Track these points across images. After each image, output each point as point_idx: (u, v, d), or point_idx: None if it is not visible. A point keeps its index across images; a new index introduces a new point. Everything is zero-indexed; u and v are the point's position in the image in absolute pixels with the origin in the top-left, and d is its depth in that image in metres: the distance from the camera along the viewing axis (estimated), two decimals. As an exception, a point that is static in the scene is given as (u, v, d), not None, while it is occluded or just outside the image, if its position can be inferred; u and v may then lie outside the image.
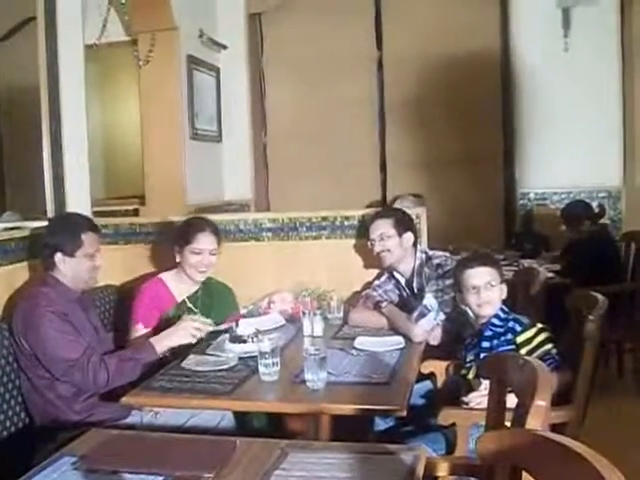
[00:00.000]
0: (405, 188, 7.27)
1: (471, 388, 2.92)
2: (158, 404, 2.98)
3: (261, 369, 2.88)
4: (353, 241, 4.32)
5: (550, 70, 7.05)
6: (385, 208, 5.59)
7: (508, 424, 2.04)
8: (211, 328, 3.41)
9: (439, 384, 3.41)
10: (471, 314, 3.20)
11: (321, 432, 2.75)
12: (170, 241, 3.95)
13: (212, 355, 3.20)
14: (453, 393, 3.10)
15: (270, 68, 8.00)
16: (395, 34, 7.65)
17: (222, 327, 3.51)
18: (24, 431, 3.19)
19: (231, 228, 4.38)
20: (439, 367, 3.40)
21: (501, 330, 3.06)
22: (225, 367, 3.03)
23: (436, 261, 3.84)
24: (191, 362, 3.12)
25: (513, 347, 2.99)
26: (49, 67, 4.25)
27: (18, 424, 3.18)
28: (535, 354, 2.89)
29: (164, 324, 3.55)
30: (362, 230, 4.21)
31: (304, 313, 3.66)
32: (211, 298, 3.89)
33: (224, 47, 7.09)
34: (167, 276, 3.87)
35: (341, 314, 3.92)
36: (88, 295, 3.60)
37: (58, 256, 3.27)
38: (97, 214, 4.63)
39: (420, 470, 1.98)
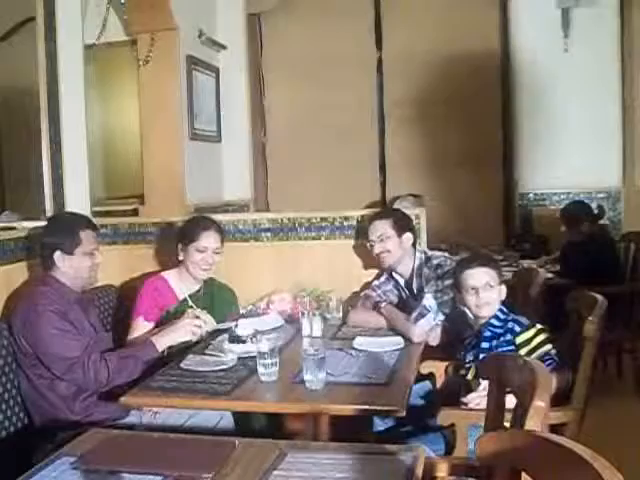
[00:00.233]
0: (404, 188, 7.27)
1: (470, 389, 2.92)
2: (157, 404, 2.98)
3: (260, 369, 2.87)
4: (352, 241, 4.32)
5: (550, 70, 7.05)
6: (384, 209, 5.59)
7: (507, 425, 2.04)
8: (212, 326, 3.42)
9: (438, 384, 3.41)
10: (470, 315, 3.20)
11: (320, 432, 2.75)
12: (173, 240, 3.96)
13: (211, 355, 3.20)
14: (452, 394, 3.10)
15: (269, 68, 8.01)
16: (395, 34, 7.65)
17: (224, 326, 3.52)
18: (23, 431, 3.19)
19: (230, 228, 4.38)
20: (438, 367, 3.41)
21: (500, 331, 3.06)
22: (224, 367, 3.03)
23: (435, 262, 3.83)
24: (190, 362, 3.12)
25: (512, 348, 2.99)
26: (48, 67, 4.25)
27: (17, 424, 3.18)
28: (534, 355, 2.89)
29: (165, 322, 3.57)
30: (361, 231, 4.21)
31: (303, 313, 3.66)
32: (212, 297, 3.90)
33: (223, 47, 7.09)
34: (169, 274, 3.89)
35: (340, 314, 3.92)
36: (87, 295, 3.60)
37: (57, 255, 3.27)
38: (96, 214, 4.64)
39: (419, 470, 1.98)
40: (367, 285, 4.13)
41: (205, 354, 3.23)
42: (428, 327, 3.45)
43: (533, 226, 7.09)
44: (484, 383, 2.64)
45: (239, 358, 3.13)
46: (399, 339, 3.41)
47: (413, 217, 4.12)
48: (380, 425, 3.29)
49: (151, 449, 2.21)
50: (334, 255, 4.31)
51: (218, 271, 3.94)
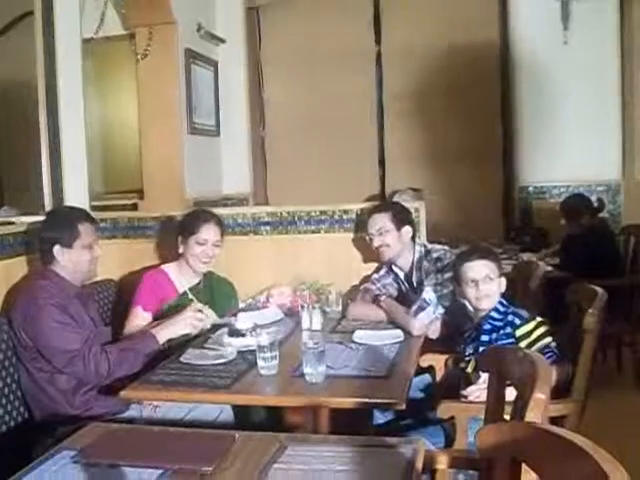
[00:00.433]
0: (404, 182, 7.25)
1: (470, 382, 2.92)
2: (157, 398, 2.99)
3: (260, 363, 2.87)
4: (352, 235, 4.32)
5: (549, 63, 7.03)
6: (383, 202, 5.59)
7: (507, 417, 2.04)
8: (213, 321, 3.42)
9: (438, 377, 3.41)
10: (470, 308, 3.19)
11: (320, 425, 2.74)
12: (172, 234, 3.97)
13: (211, 349, 3.20)
14: (452, 386, 3.10)
15: (268, 62, 7.98)
16: (394, 28, 7.63)
17: (225, 321, 3.51)
18: (23, 425, 3.19)
19: (230, 222, 4.38)
20: (438, 360, 3.41)
21: (500, 324, 3.06)
22: (224, 361, 3.03)
23: (435, 255, 3.83)
24: (190, 356, 3.12)
25: (512, 340, 2.98)
26: (46, 61, 4.24)
27: (17, 418, 3.18)
28: (534, 347, 2.89)
29: (165, 315, 3.58)
30: (361, 224, 4.21)
31: (303, 307, 3.66)
32: (212, 291, 3.91)
33: (222, 41, 7.08)
34: (169, 267, 3.91)
35: (340, 308, 3.92)
36: (87, 289, 3.60)
37: (56, 248, 3.27)
38: (95, 208, 4.63)
39: (419, 463, 1.98)
40: (367, 278, 4.13)
41: (205, 348, 3.23)
42: (428, 320, 3.45)
43: (533, 219, 7.08)
44: (484, 376, 2.64)
45: (239, 352, 3.13)
46: (399, 332, 3.41)
47: (412, 210, 4.12)
48: (380, 418, 3.29)
49: (151, 443, 2.21)
50: (333, 248, 4.32)
51: (218, 265, 3.94)
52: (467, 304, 3.20)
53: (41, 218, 3.56)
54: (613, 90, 7.02)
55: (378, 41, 7.73)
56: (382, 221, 3.87)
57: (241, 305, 4.07)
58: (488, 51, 7.38)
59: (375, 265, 4.15)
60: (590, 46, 6.95)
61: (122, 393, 2.81)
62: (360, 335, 3.36)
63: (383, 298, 3.76)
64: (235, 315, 3.62)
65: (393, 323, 3.59)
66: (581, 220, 5.57)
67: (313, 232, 4.38)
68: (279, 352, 2.90)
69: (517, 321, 3.03)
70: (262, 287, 4.15)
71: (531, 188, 7.26)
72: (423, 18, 7.45)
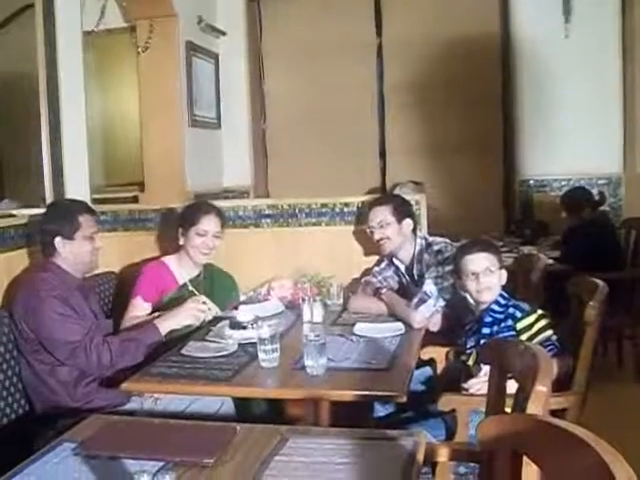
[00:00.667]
0: (405, 175, 7.24)
1: (471, 374, 2.92)
2: (158, 390, 2.99)
3: (261, 355, 2.88)
4: (352, 227, 4.32)
5: (551, 57, 7.02)
6: (384, 195, 5.58)
7: (508, 410, 2.04)
8: (215, 313, 3.42)
9: (439, 370, 3.41)
10: (471, 300, 3.19)
11: (321, 418, 2.75)
12: (173, 226, 3.98)
13: (212, 341, 3.20)
14: (453, 379, 3.11)
15: (269, 54, 7.97)
16: (395, 20, 7.62)
17: (227, 314, 3.52)
18: (24, 418, 3.20)
19: (230, 214, 4.38)
20: (439, 353, 3.41)
21: (501, 316, 3.06)
22: (225, 353, 3.04)
23: (436, 247, 3.83)
24: (191, 348, 3.12)
25: (513, 333, 2.98)
26: (47, 54, 4.24)
27: (18, 411, 3.19)
28: (535, 340, 2.89)
29: (165, 307, 3.58)
30: (361, 217, 4.21)
31: (304, 299, 3.66)
32: (212, 283, 3.92)
33: (223, 33, 7.07)
34: (169, 259, 3.92)
35: (341, 300, 3.92)
36: (88, 282, 3.61)
37: (58, 240, 3.27)
38: (96, 201, 4.64)
39: (420, 456, 1.98)
40: (368, 271, 4.13)
41: (206, 340, 3.24)
42: (429, 313, 3.45)
43: (533, 212, 7.08)
44: (485, 368, 2.64)
45: (240, 344, 3.13)
46: (400, 325, 3.41)
47: (413, 203, 4.12)
48: (381, 411, 3.29)
49: (152, 435, 2.22)
50: (334, 241, 4.32)
51: (219, 257, 3.95)
52: (468, 297, 3.20)
53: (42, 211, 3.56)
54: (614, 84, 7.01)
55: (379, 33, 7.72)
56: (383, 214, 3.87)
57: (242, 298, 4.08)
58: (489, 44, 7.37)
59: (376, 258, 4.15)
60: (591, 39, 6.93)
61: (123, 385, 2.82)
62: (361, 328, 3.36)
63: (384, 291, 3.76)
64: (236, 308, 3.63)
65: (394, 316, 3.59)
66: (582, 213, 5.57)
67: (314, 225, 4.38)
68: (280, 345, 2.90)
69: (518, 314, 3.03)
70: (263, 280, 4.15)
71: (532, 181, 7.26)
72: (424, 10, 7.44)
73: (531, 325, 2.99)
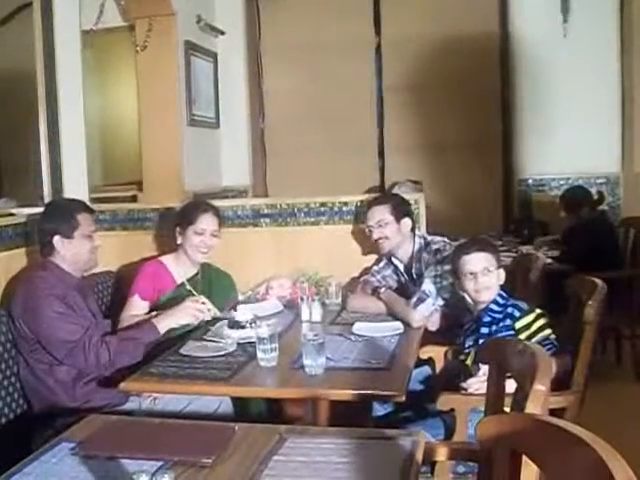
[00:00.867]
0: (403, 174, 7.24)
1: (470, 374, 2.92)
2: (157, 390, 2.99)
3: (259, 355, 2.87)
4: (351, 227, 4.32)
5: (549, 56, 7.02)
6: (383, 194, 5.58)
7: (507, 409, 2.04)
8: (214, 313, 3.41)
9: (438, 370, 3.41)
10: (469, 300, 3.19)
11: (319, 417, 2.75)
12: (171, 226, 3.97)
13: (210, 341, 3.20)
14: (452, 378, 3.10)
15: (268, 53, 7.95)
16: (393, 19, 7.60)
17: (226, 315, 3.52)
18: (22, 417, 3.20)
19: (229, 214, 4.38)
20: (438, 352, 3.41)
21: (500, 316, 3.06)
22: (223, 353, 3.03)
23: (435, 246, 3.83)
24: (189, 348, 3.12)
25: (512, 333, 2.98)
26: (46, 53, 4.24)
27: (16, 410, 3.19)
28: (534, 339, 2.89)
29: (162, 306, 3.58)
30: (360, 216, 4.21)
31: (302, 299, 3.67)
32: (210, 282, 3.92)
33: (222, 33, 7.07)
34: (167, 258, 3.92)
35: (339, 300, 3.92)
36: (87, 281, 3.60)
37: (56, 239, 3.27)
38: (95, 200, 4.63)
39: (419, 455, 1.98)
40: (366, 270, 4.13)
41: (204, 340, 3.24)
42: (427, 312, 3.45)
43: (532, 212, 7.08)
44: (484, 368, 2.63)
45: (238, 344, 3.13)
46: (398, 324, 3.40)
47: (412, 202, 4.12)
48: (379, 410, 3.29)
49: (151, 435, 2.21)
50: (333, 240, 4.31)
51: (217, 256, 3.94)
52: (466, 297, 3.20)
53: (41, 209, 3.56)
54: (612, 83, 7.01)
55: (378, 32, 7.70)
56: (381, 213, 3.87)
57: (240, 297, 4.08)
58: (488, 43, 7.36)
59: (375, 257, 4.15)
60: (590, 39, 6.93)
61: (121, 385, 2.82)
62: (360, 327, 3.35)
63: (383, 290, 3.76)
64: (234, 307, 3.63)
65: (393, 315, 3.59)
66: (580, 212, 5.57)
67: (313, 224, 4.37)
68: (279, 344, 2.90)
69: (517, 313, 3.03)
70: (262, 279, 4.16)
71: (531, 180, 7.26)
72: (423, 9, 7.43)
73: (530, 324, 2.99)
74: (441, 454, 2.34)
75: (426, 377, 3.45)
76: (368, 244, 4.11)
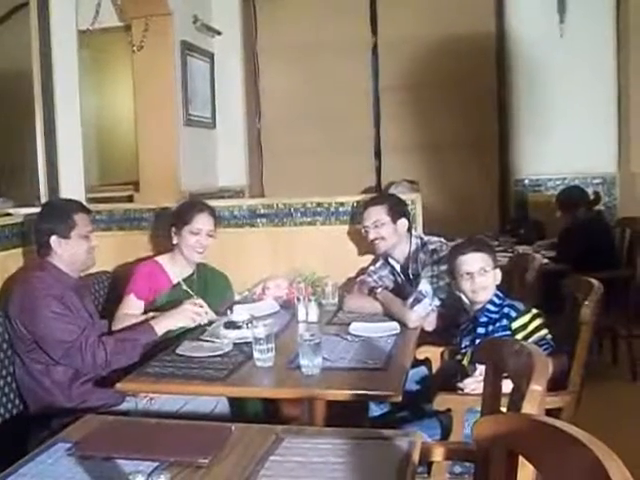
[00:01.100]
0: (400, 174, 7.24)
1: (466, 374, 2.92)
2: (153, 390, 2.98)
3: (256, 355, 2.87)
4: (347, 227, 4.32)
5: (545, 56, 7.03)
6: (379, 194, 5.58)
7: (504, 410, 2.04)
8: (211, 317, 3.41)
9: (434, 370, 3.41)
10: (466, 300, 3.19)
11: (316, 418, 2.75)
12: (167, 224, 3.96)
13: (207, 341, 3.20)
14: (448, 378, 3.10)
15: (264, 54, 7.96)
16: (390, 19, 7.61)
17: (223, 319, 3.51)
18: (18, 418, 3.19)
19: (225, 214, 4.38)
20: (434, 353, 3.40)
21: (496, 316, 3.06)
22: (220, 353, 3.03)
23: (431, 247, 3.82)
24: (186, 348, 3.12)
25: (508, 333, 2.98)
26: (42, 53, 4.24)
27: (12, 411, 3.18)
28: (530, 340, 2.88)
29: (158, 307, 3.59)
30: (356, 216, 4.21)
31: (299, 299, 3.66)
32: (206, 282, 3.92)
33: (218, 33, 7.07)
34: (163, 259, 3.91)
35: (336, 300, 3.91)
36: (84, 281, 3.60)
37: (53, 239, 3.26)
38: (91, 200, 4.63)
39: (415, 455, 1.98)
40: (363, 270, 4.12)
41: (201, 340, 3.23)
42: (424, 312, 3.45)
43: (528, 212, 7.09)
44: (480, 368, 2.63)
45: (235, 344, 3.12)
46: (395, 324, 3.40)
47: (409, 202, 4.11)
48: (376, 410, 3.29)
49: (147, 435, 2.21)
50: (330, 240, 4.31)
51: (214, 257, 3.94)
52: (463, 297, 3.19)
53: (38, 210, 3.55)
54: (609, 83, 7.03)
55: (374, 32, 7.71)
56: (378, 214, 3.86)
57: (237, 297, 4.07)
58: (485, 43, 7.37)
59: (371, 257, 4.15)
60: (586, 39, 6.95)
61: (118, 385, 2.81)
62: (356, 327, 3.35)
63: (379, 290, 3.75)
64: (231, 307, 3.62)
65: (389, 315, 3.59)
66: (577, 212, 5.57)
67: (309, 224, 4.37)
68: (275, 344, 2.89)
69: (513, 313, 3.03)
70: (258, 279, 4.15)
71: (527, 181, 7.28)
72: (419, 9, 7.44)
73: (526, 324, 2.99)
74: (438, 454, 2.34)
75: (422, 377, 3.45)
76: (364, 244, 4.11)
